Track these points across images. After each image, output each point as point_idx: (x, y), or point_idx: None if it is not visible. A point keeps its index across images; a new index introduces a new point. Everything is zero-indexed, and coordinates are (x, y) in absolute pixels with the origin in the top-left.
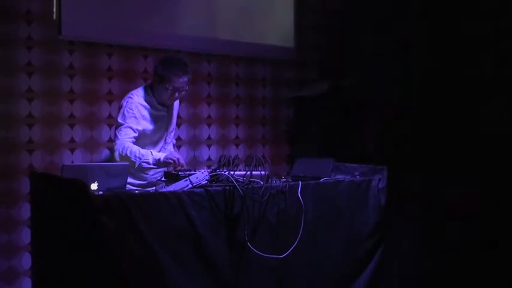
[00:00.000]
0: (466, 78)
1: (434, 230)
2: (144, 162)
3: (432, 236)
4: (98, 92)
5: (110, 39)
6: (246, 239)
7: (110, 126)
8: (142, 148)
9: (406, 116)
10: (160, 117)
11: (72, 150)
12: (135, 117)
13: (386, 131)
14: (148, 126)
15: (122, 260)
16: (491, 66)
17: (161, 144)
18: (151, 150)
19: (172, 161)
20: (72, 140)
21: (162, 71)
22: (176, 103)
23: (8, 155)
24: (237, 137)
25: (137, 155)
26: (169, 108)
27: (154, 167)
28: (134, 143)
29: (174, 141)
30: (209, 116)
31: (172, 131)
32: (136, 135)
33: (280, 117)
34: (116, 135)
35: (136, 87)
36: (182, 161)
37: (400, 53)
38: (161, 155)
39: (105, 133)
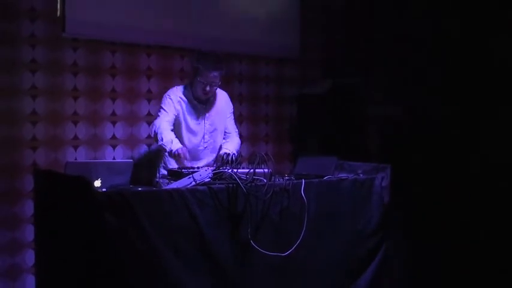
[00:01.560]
0: (467, 77)
1: (435, 229)
2: (164, 147)
3: (434, 235)
4: (101, 89)
5: (113, 36)
6: (249, 236)
7: (114, 123)
8: (179, 136)
9: (409, 114)
10: (196, 113)
11: (75, 148)
12: (172, 100)
13: (389, 130)
14: (181, 116)
15: (125, 256)
16: (492, 73)
17: (199, 140)
18: (177, 139)
19: (177, 154)
20: (75, 137)
21: (196, 64)
22: (224, 104)
23: (11, 152)
24: (240, 135)
25: (161, 137)
26: (208, 105)
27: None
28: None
29: (235, 148)
30: None
31: (216, 130)
32: (172, 117)
33: (283, 115)
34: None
35: (139, 84)
36: (182, 154)
37: (402, 52)
38: (177, 147)
39: (109, 130)
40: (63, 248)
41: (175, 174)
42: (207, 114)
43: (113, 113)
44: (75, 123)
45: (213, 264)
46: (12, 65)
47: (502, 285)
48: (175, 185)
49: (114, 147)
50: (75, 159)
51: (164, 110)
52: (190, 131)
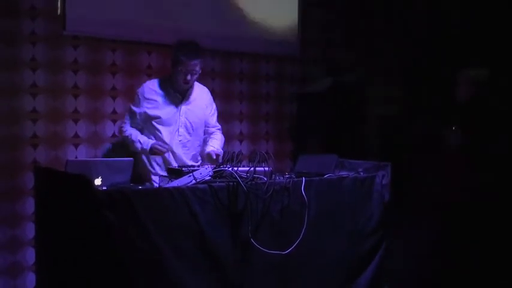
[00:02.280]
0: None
1: (437, 227)
2: (133, 149)
3: (436, 233)
4: (102, 87)
5: (114, 34)
6: (250, 235)
7: (114, 121)
8: (153, 131)
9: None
10: (171, 103)
11: (76, 146)
12: (139, 99)
13: (389, 128)
14: (152, 109)
15: (125, 255)
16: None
17: (173, 133)
18: (143, 136)
19: (157, 150)
20: (76, 135)
21: (175, 54)
22: (204, 98)
23: (12, 150)
24: (240, 133)
25: (129, 141)
26: (184, 96)
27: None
28: (142, 127)
29: (219, 145)
30: None
31: (193, 126)
32: (138, 117)
33: (284, 114)
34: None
35: (140, 82)
36: (160, 147)
37: (403, 50)
38: (148, 144)
39: (109, 128)
40: (64, 246)
41: (175, 173)
42: (183, 107)
43: (114, 111)
44: (76, 121)
45: (213, 262)
46: (13, 63)
47: (502, 285)
48: (175, 183)
49: (114, 145)
50: (76, 157)
51: (130, 111)
52: (164, 122)
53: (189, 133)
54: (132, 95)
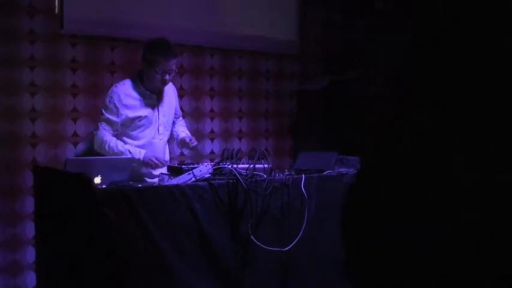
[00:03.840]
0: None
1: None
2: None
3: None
4: (100, 85)
5: (112, 32)
6: (250, 232)
7: None
8: (130, 136)
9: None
10: (149, 105)
11: (75, 144)
12: (116, 105)
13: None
14: (132, 113)
15: (125, 253)
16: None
17: (153, 133)
18: (132, 145)
19: (152, 162)
20: (75, 134)
21: (150, 55)
22: (171, 93)
23: (11, 149)
24: (240, 131)
25: (115, 151)
26: (160, 95)
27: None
28: (117, 134)
29: (187, 131)
30: (212, 110)
31: (168, 121)
32: (117, 124)
33: (283, 111)
34: (97, 127)
35: None
36: (156, 161)
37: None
38: (141, 155)
39: None
40: (64, 245)
41: (175, 171)
42: (159, 106)
43: None
44: (75, 119)
45: (213, 259)
46: (11, 61)
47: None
48: (175, 181)
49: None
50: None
51: (107, 118)
52: (144, 124)
53: (166, 129)
54: None
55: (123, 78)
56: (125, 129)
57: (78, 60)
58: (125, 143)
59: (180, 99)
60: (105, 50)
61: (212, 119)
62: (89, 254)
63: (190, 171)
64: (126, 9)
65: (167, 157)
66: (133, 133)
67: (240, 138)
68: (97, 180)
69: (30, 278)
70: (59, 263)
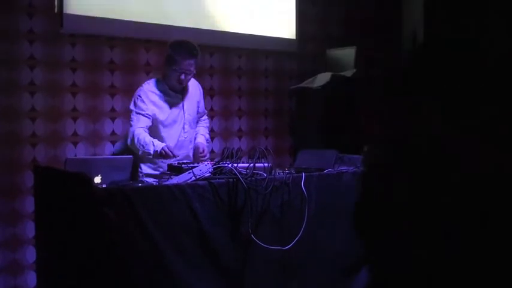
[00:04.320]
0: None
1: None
2: (146, 151)
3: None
4: (100, 85)
5: (111, 32)
6: (250, 231)
7: (113, 119)
8: (157, 135)
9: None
10: (174, 103)
11: (75, 144)
12: (144, 102)
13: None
14: (159, 112)
15: (125, 252)
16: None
17: (179, 131)
18: (156, 139)
19: (164, 153)
20: (75, 134)
21: (170, 53)
22: (195, 91)
23: (11, 148)
24: (239, 129)
25: (142, 143)
26: (184, 94)
27: (151, 156)
28: (149, 129)
29: (207, 132)
30: (211, 109)
31: (194, 119)
32: (148, 120)
33: (283, 109)
34: (130, 124)
35: (138, 80)
36: (168, 151)
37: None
38: (160, 146)
39: (108, 126)
40: (64, 245)
41: (175, 170)
42: (184, 104)
43: (112, 109)
44: (75, 119)
45: (213, 258)
46: (11, 61)
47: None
48: (175, 180)
49: (113, 143)
50: (75, 155)
51: (137, 114)
52: (169, 124)
53: (191, 127)
54: (130, 93)
55: (123, 78)
56: (152, 128)
57: (77, 59)
58: None
59: None
60: (104, 49)
61: (212, 118)
62: (89, 254)
63: (190, 170)
64: (125, 8)
65: (191, 154)
66: (160, 132)
67: (239, 137)
68: (97, 179)
69: (30, 278)
70: (59, 263)
